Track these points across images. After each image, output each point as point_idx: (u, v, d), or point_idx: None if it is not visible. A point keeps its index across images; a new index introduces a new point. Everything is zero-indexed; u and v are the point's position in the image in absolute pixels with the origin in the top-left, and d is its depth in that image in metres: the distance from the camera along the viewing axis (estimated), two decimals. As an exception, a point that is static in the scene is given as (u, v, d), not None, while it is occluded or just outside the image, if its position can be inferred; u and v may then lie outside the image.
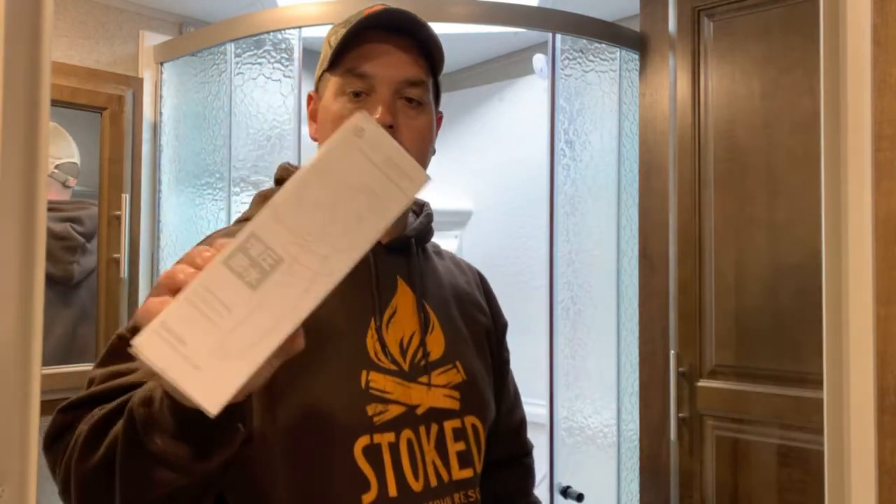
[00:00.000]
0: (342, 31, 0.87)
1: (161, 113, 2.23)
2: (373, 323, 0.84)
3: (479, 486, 0.90)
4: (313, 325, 0.81)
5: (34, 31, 0.40)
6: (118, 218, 2.08)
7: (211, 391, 0.50)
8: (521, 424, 1.08)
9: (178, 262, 0.56)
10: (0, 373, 0.39)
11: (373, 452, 0.79)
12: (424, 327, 0.89)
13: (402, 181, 0.57)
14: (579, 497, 1.96)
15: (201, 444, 0.61)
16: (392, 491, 0.79)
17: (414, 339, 0.87)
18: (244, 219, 0.91)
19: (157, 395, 0.61)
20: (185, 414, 0.59)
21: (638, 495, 1.97)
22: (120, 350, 0.76)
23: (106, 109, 2.09)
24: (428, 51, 0.88)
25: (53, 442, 0.73)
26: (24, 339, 0.39)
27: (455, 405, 0.87)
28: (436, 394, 0.86)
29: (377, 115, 0.83)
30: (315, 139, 0.92)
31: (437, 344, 0.89)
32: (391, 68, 0.86)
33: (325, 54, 0.90)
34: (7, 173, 0.38)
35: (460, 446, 0.87)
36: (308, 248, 0.54)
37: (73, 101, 2.01)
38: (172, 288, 0.54)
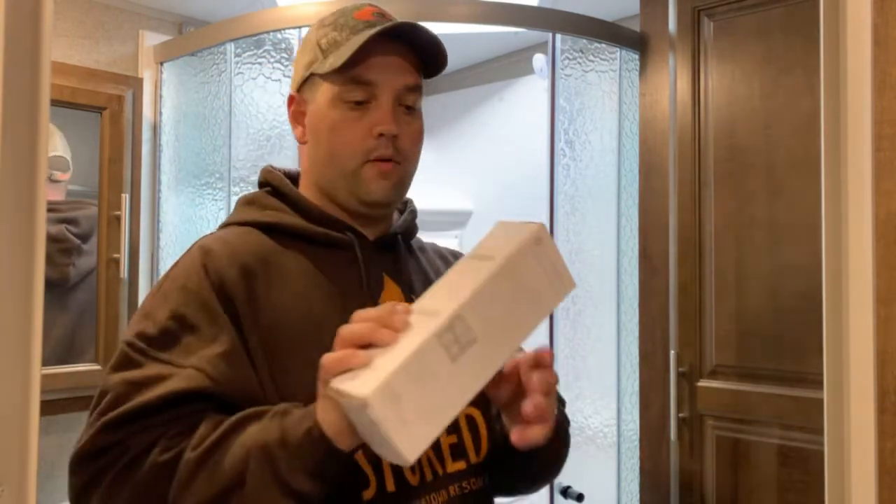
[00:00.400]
0: (334, 35, 0.86)
1: (161, 113, 2.23)
2: None
3: (479, 474, 0.89)
4: (310, 328, 0.80)
5: (34, 31, 0.40)
6: (118, 218, 2.08)
7: (412, 444, 0.60)
8: None
9: (361, 321, 0.65)
10: (0, 373, 0.39)
11: (371, 449, 0.79)
12: None
13: (559, 285, 0.70)
14: (579, 497, 1.96)
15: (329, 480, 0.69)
16: (390, 486, 0.80)
17: None
18: (230, 223, 0.90)
19: (294, 437, 0.67)
20: (336, 455, 0.66)
21: (638, 495, 1.97)
22: (129, 358, 0.76)
23: (106, 109, 2.09)
24: (423, 55, 0.88)
25: (93, 460, 0.72)
26: (24, 340, 0.39)
27: None
28: None
29: (384, 127, 0.84)
30: (304, 142, 0.91)
31: None
32: (392, 76, 0.86)
33: (315, 56, 0.87)
34: (7, 173, 0.38)
35: (452, 439, 0.87)
36: (492, 332, 0.65)
37: (73, 101, 2.01)
38: (360, 343, 0.64)
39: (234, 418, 0.72)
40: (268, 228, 0.87)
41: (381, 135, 0.84)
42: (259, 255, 0.84)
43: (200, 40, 2.09)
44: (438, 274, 0.98)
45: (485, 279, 0.65)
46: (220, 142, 2.07)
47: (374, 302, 0.86)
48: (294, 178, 0.94)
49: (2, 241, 0.38)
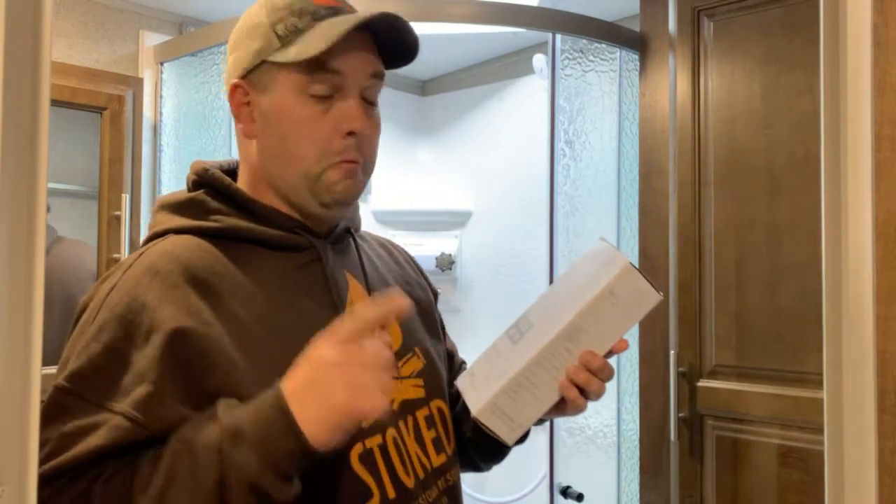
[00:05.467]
0: (293, 21, 0.78)
1: (161, 113, 2.23)
2: None
3: (455, 464, 0.90)
4: (288, 343, 0.76)
5: (34, 31, 0.40)
6: (118, 218, 2.08)
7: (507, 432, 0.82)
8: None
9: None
10: (0, 373, 0.39)
11: (368, 458, 0.78)
12: None
13: (607, 270, 0.82)
14: (579, 497, 1.96)
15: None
16: (391, 493, 0.79)
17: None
18: (165, 231, 0.81)
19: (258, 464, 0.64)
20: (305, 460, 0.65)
21: (638, 495, 1.97)
22: (62, 405, 0.69)
23: (106, 109, 2.09)
24: (391, 46, 0.83)
25: None
26: (25, 340, 0.39)
27: (421, 393, 0.87)
28: (405, 385, 0.85)
29: (354, 125, 0.79)
30: (252, 137, 0.82)
31: (395, 334, 0.87)
32: (360, 67, 0.79)
33: (269, 42, 0.78)
34: (7, 172, 0.38)
35: (432, 433, 0.87)
36: (545, 320, 0.84)
37: (73, 101, 2.01)
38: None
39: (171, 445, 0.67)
40: (214, 235, 0.79)
41: (349, 133, 0.79)
42: (213, 268, 0.76)
43: (200, 40, 2.09)
44: (386, 261, 0.97)
45: (548, 290, 0.90)
46: (220, 142, 2.07)
47: (341, 306, 0.82)
48: (229, 173, 0.86)
49: (2, 240, 0.38)
